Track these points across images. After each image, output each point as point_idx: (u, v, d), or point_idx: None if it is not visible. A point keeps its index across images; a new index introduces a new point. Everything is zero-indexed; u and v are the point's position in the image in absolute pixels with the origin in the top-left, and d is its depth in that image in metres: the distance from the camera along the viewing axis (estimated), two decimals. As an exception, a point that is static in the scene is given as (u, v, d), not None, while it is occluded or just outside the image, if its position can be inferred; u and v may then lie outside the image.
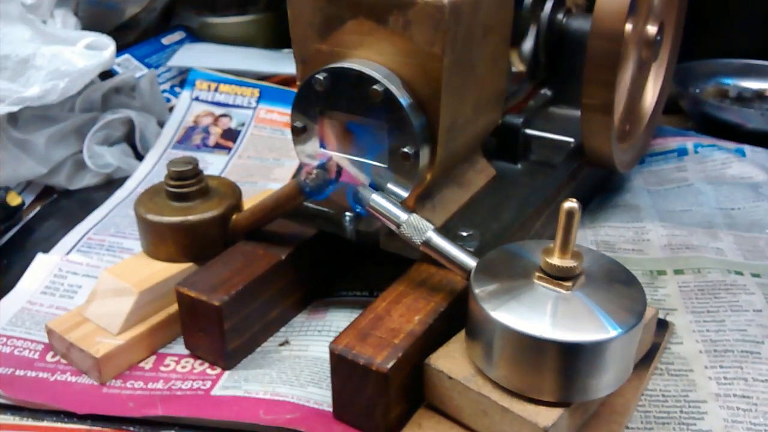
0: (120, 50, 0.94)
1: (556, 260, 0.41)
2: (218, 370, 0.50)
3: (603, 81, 0.57)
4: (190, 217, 0.53)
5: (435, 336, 0.45)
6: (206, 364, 0.51)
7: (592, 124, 0.59)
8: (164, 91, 0.92)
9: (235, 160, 0.79)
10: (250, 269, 0.51)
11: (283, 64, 0.91)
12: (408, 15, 0.44)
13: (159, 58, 0.96)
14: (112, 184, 0.77)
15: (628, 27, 0.62)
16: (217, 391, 0.48)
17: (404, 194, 0.48)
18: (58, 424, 0.47)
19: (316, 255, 0.55)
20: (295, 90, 0.50)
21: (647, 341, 0.48)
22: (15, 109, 0.72)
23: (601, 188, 0.70)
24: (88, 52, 0.76)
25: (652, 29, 0.63)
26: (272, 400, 0.47)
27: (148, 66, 0.94)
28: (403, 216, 0.46)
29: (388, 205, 0.47)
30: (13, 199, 0.68)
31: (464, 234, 0.50)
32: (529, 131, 0.59)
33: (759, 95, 0.88)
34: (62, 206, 0.74)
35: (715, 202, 0.67)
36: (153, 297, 0.52)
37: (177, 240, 0.53)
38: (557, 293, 0.41)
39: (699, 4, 0.91)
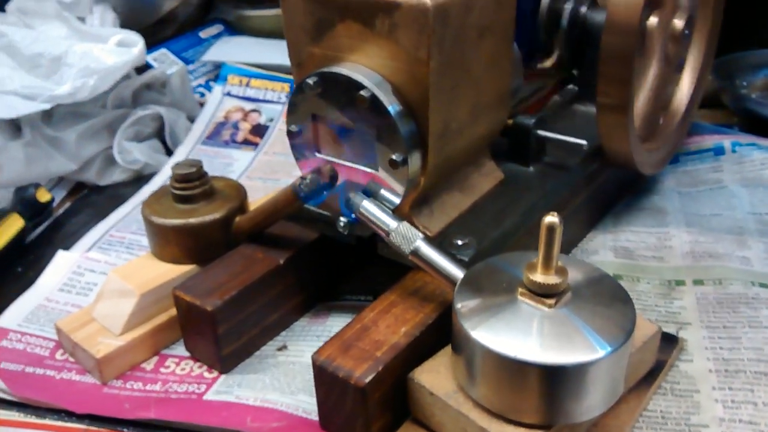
0: (157, 44, 0.96)
1: (538, 276, 0.39)
2: (215, 374, 0.51)
3: (618, 78, 0.54)
4: (192, 220, 0.53)
5: (422, 348, 0.44)
6: (205, 367, 0.52)
7: (609, 124, 0.56)
8: (200, 86, 0.93)
9: (261, 156, 0.80)
10: (248, 273, 0.51)
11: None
12: (393, 18, 0.43)
13: (196, 52, 0.97)
14: (141, 179, 0.78)
15: (653, 20, 0.59)
16: (210, 396, 0.48)
17: (396, 200, 0.47)
18: (59, 423, 0.48)
19: (319, 259, 0.55)
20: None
21: (649, 360, 0.46)
22: (47, 106, 0.74)
23: (628, 190, 0.67)
24: (118, 50, 0.78)
25: (678, 23, 0.60)
26: (261, 407, 0.47)
27: (185, 60, 0.95)
28: (392, 224, 0.45)
29: (378, 212, 0.46)
30: (43, 195, 0.70)
31: (460, 242, 0.48)
32: (541, 132, 0.57)
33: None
34: (92, 202, 0.76)
35: (749, 206, 0.63)
36: (156, 298, 0.53)
37: (180, 242, 0.54)
38: (540, 311, 0.39)
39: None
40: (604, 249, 0.59)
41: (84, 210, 0.75)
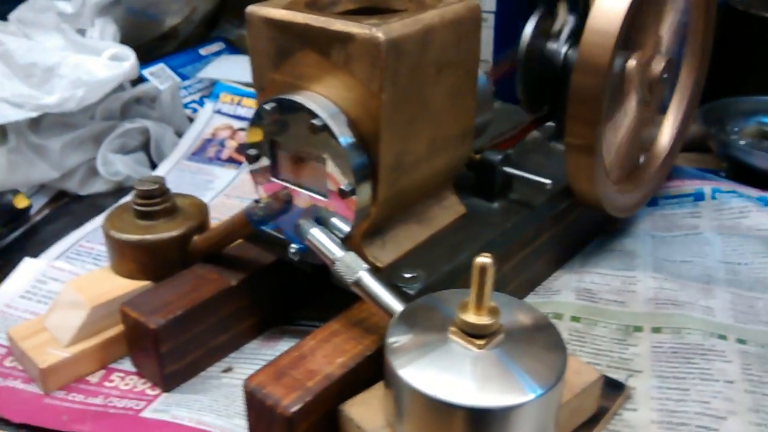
0: (157, 59, 0.97)
1: (470, 317, 0.39)
2: (158, 391, 0.51)
3: (586, 119, 0.53)
4: (149, 237, 0.53)
5: (358, 380, 0.44)
6: (149, 384, 0.51)
7: (576, 165, 0.56)
8: (193, 101, 0.94)
9: (243, 175, 0.80)
10: (197, 293, 0.51)
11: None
12: (348, 50, 0.43)
13: (194, 69, 0.98)
14: (122, 191, 0.79)
15: (632, 62, 0.58)
16: (147, 413, 0.48)
17: (346, 229, 0.47)
18: (-4, 431, 0.48)
19: (275, 282, 0.55)
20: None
21: (590, 406, 0.45)
22: (33, 115, 0.75)
23: (601, 230, 0.66)
24: (110, 63, 0.79)
25: (657, 66, 0.59)
26: (195, 428, 0.46)
27: (182, 76, 0.96)
28: (338, 253, 0.45)
29: (326, 240, 0.46)
30: (21, 202, 0.71)
31: (408, 275, 0.48)
32: (507, 169, 0.56)
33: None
34: (71, 210, 0.77)
35: (721, 254, 0.62)
36: (107, 312, 0.53)
37: (136, 258, 0.54)
38: (471, 352, 0.39)
39: (742, 38, 0.85)
40: (567, 289, 0.58)
41: (62, 218, 0.75)
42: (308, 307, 0.58)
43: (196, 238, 0.54)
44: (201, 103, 0.93)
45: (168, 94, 0.85)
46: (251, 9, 0.48)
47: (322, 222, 0.48)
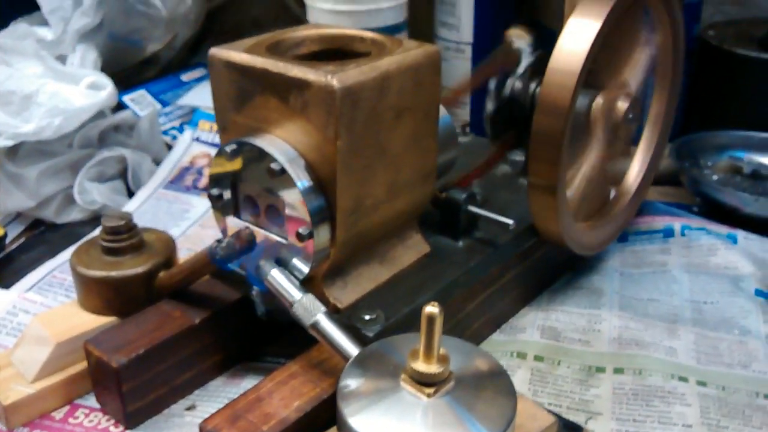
0: (138, 85, 0.98)
1: (419, 365, 0.39)
2: (121, 428, 0.51)
3: (547, 159, 0.54)
4: (113, 273, 0.54)
5: (314, 424, 0.44)
6: (113, 421, 0.51)
7: (538, 204, 0.56)
8: (173, 128, 0.94)
9: (220, 204, 0.80)
10: (160, 331, 0.51)
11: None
12: (305, 96, 0.44)
13: (175, 95, 0.99)
14: (98, 219, 0.79)
15: (598, 101, 0.59)
16: (108, 452, 0.48)
17: (305, 270, 0.48)
18: (-43, 468, 0.48)
19: (240, 319, 0.55)
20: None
21: (545, 450, 0.45)
22: (10, 143, 0.75)
23: (570, 267, 0.67)
24: (88, 92, 0.79)
25: (622, 105, 0.60)
26: (154, 468, 0.46)
27: (163, 102, 0.97)
28: (296, 295, 0.46)
29: (285, 282, 0.46)
30: (-5, 230, 0.71)
31: (367, 317, 0.48)
32: (471, 208, 0.57)
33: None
34: (47, 239, 0.77)
35: (688, 293, 0.63)
36: (72, 348, 0.53)
37: (102, 294, 0.54)
38: (421, 400, 0.39)
39: (716, 73, 0.86)
40: (533, 328, 0.59)
41: (37, 247, 0.75)
42: (274, 343, 0.58)
43: (161, 274, 0.55)
44: (181, 129, 0.94)
45: (146, 121, 0.85)
46: (214, 51, 0.48)
47: (282, 263, 0.48)
